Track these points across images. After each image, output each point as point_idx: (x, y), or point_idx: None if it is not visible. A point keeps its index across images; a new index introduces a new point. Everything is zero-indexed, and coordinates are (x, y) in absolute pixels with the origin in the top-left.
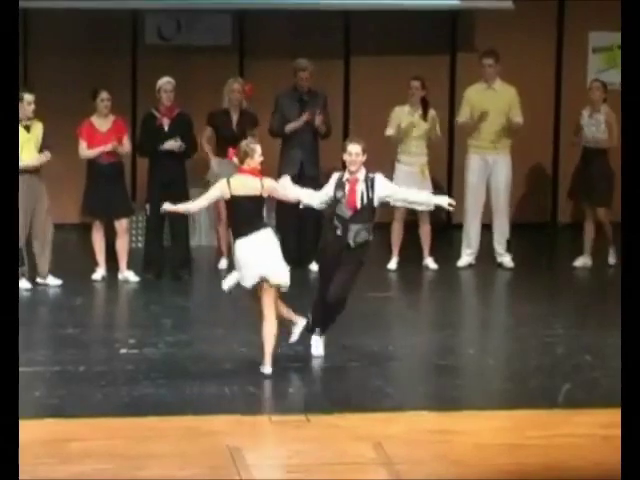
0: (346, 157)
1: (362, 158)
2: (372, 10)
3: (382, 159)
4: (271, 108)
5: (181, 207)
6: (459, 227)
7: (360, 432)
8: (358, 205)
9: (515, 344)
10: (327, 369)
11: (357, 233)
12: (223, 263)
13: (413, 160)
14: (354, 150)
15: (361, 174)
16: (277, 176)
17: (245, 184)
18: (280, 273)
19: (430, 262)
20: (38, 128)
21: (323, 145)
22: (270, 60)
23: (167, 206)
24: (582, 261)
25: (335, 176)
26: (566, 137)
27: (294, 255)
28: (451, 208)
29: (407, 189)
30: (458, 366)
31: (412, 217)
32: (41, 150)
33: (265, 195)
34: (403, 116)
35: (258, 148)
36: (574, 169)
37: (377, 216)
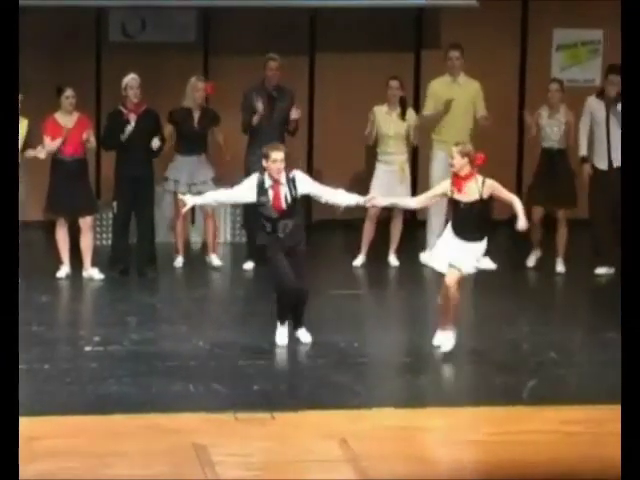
0: (270, 164)
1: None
2: (338, 7)
3: (351, 154)
4: (236, 105)
5: None
6: (424, 223)
7: (326, 429)
8: (284, 207)
9: (480, 341)
10: (293, 366)
11: (285, 225)
12: (179, 261)
13: (391, 159)
14: (279, 157)
15: (283, 177)
16: (245, 172)
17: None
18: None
19: (393, 259)
20: (22, 125)
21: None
22: (235, 57)
23: None
24: (534, 258)
25: (253, 180)
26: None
27: (261, 250)
28: (369, 204)
29: (324, 189)
30: (423, 363)
31: (385, 213)
32: (24, 147)
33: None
34: (381, 116)
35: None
36: (535, 171)
37: (349, 214)
